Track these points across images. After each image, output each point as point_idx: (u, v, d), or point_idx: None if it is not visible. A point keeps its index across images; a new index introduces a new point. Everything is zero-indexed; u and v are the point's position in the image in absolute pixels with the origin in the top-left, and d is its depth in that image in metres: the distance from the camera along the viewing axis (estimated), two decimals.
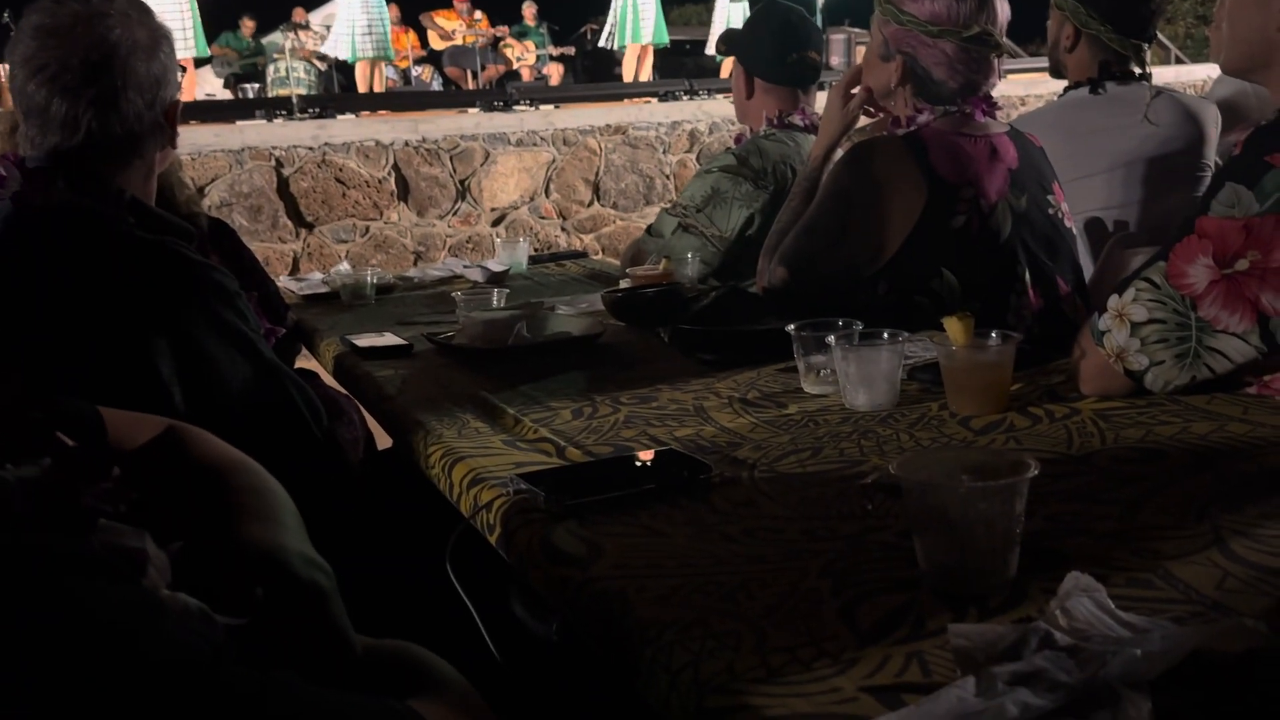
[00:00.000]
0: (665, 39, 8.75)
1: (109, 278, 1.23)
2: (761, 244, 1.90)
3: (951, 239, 1.68)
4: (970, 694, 0.64)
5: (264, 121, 4.84)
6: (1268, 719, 0.63)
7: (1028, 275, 1.73)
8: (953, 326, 1.25)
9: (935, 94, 1.74)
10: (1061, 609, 0.73)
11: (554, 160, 5.22)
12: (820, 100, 2.19)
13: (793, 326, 1.36)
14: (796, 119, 2.30)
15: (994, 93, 1.79)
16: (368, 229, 4.82)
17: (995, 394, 1.23)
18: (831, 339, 1.27)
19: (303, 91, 6.85)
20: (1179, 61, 10.00)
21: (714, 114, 5.47)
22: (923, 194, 1.67)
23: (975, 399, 1.23)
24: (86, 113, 1.28)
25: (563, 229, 5.25)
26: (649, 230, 2.34)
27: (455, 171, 5.01)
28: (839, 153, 1.90)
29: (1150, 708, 0.62)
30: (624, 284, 2.06)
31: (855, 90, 1.88)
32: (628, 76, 7.80)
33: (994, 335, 1.25)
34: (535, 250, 2.82)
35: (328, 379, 1.83)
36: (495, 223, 5.08)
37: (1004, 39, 1.78)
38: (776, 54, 2.29)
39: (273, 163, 4.69)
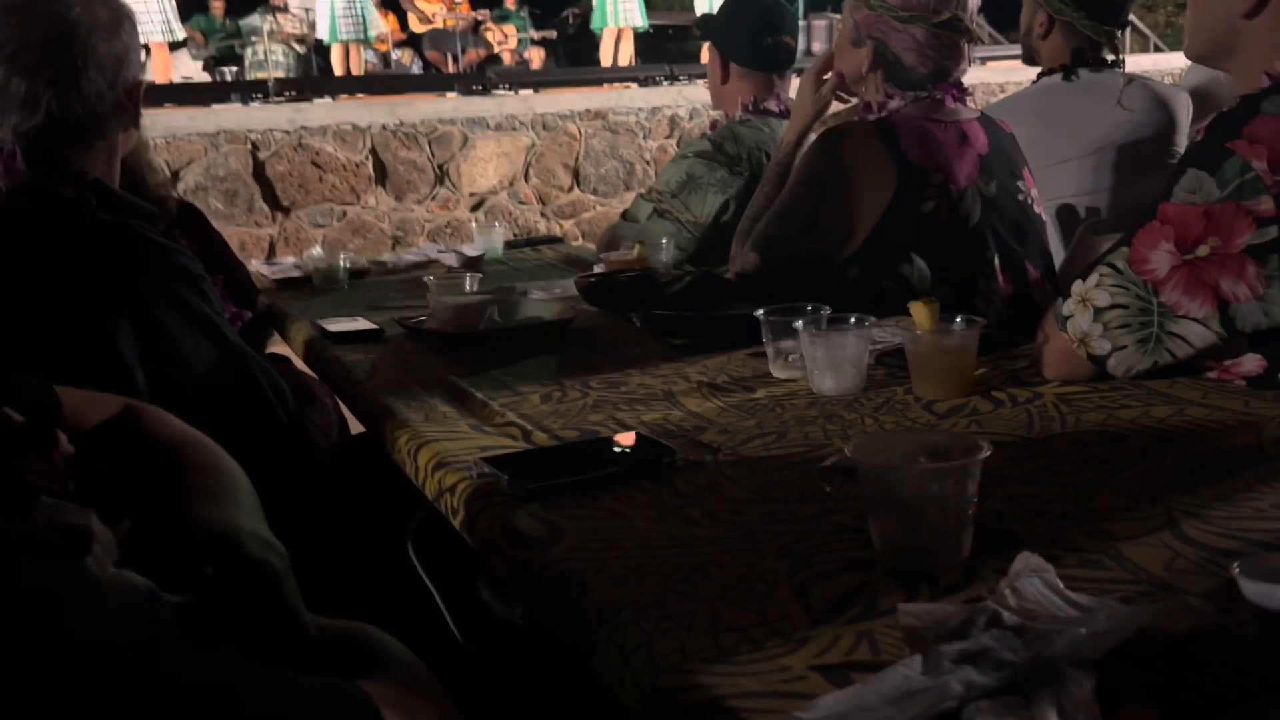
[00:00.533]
0: (645, 23, 8.72)
1: (70, 259, 1.22)
2: (736, 229, 1.91)
3: (921, 224, 1.68)
4: (916, 672, 0.65)
5: (240, 105, 4.80)
6: (1209, 697, 0.64)
7: (997, 260, 1.74)
8: (918, 311, 1.26)
9: (906, 79, 1.75)
10: (1011, 589, 0.74)
11: (533, 145, 5.20)
12: (795, 86, 2.19)
13: (761, 311, 1.36)
14: (771, 104, 2.30)
15: (973, 79, 1.80)
16: (345, 213, 4.80)
17: (959, 378, 1.24)
18: (799, 324, 1.28)
19: (281, 75, 6.78)
20: (1158, 49, 10.05)
21: (695, 100, 5.46)
22: (893, 179, 1.67)
23: (939, 383, 1.24)
24: (46, 92, 1.27)
25: (542, 214, 5.24)
26: (624, 215, 2.34)
27: (434, 156, 4.98)
28: (811, 138, 1.91)
29: (1093, 685, 0.63)
30: (598, 269, 2.06)
31: (827, 76, 1.88)
32: (605, 60, 7.77)
33: (959, 320, 1.26)
34: (514, 235, 2.81)
35: (299, 364, 1.82)
36: (474, 208, 5.06)
37: (974, 25, 1.78)
38: (752, 39, 2.29)
39: (249, 146, 4.65)
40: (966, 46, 1.76)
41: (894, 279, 1.69)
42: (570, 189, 5.30)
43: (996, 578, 0.77)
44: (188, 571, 0.61)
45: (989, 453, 0.79)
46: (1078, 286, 1.25)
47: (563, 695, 1.04)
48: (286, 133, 4.71)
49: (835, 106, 1.94)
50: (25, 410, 0.65)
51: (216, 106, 4.75)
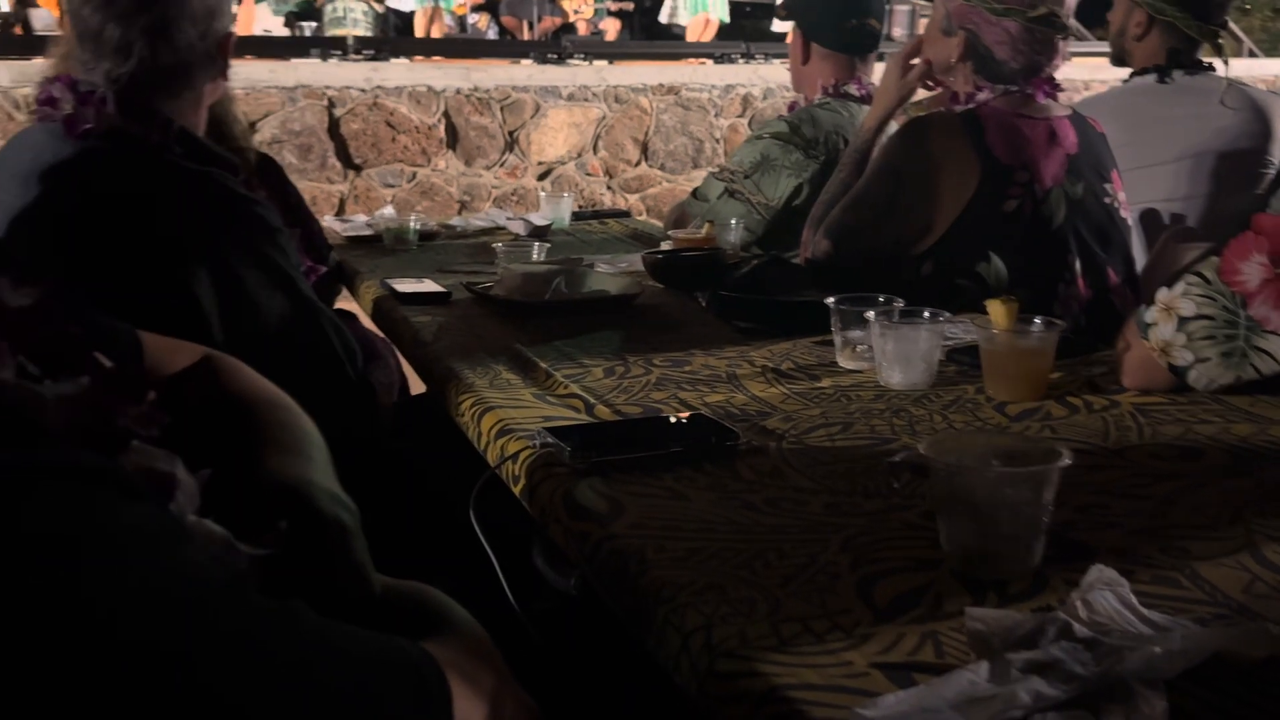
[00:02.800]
0: (726, 16, 8.60)
1: (154, 205, 1.24)
2: (807, 215, 1.88)
3: (1002, 222, 1.65)
4: (982, 679, 0.63)
5: (319, 61, 4.85)
6: None
7: (1078, 264, 1.70)
8: (996, 310, 1.23)
9: (996, 73, 1.70)
10: (1083, 601, 0.72)
11: (604, 117, 5.18)
12: (878, 71, 2.15)
13: (832, 300, 1.34)
14: (852, 88, 2.26)
15: (1057, 75, 1.75)
16: (414, 175, 4.83)
17: (1034, 381, 1.21)
18: (871, 314, 1.26)
19: (359, 32, 6.83)
20: (1252, 55, 9.72)
21: (769, 79, 5.39)
22: (976, 174, 1.64)
23: (1013, 385, 1.21)
24: (139, 40, 1.29)
25: (608, 187, 5.23)
26: (694, 194, 2.33)
27: (505, 122, 4.99)
28: (892, 126, 1.87)
29: (1165, 706, 0.61)
30: (665, 246, 2.05)
31: (914, 62, 1.84)
32: (691, 35, 7.66)
33: (1037, 322, 1.23)
34: (579, 207, 2.81)
35: (366, 321, 1.84)
36: (541, 176, 5.07)
37: (1071, 20, 1.73)
38: (836, 19, 2.25)
39: (325, 102, 4.69)
40: (1061, 43, 1.71)
41: (969, 277, 1.65)
42: (638, 163, 5.28)
43: (1067, 588, 0.76)
44: (262, 524, 0.61)
45: (1069, 461, 0.77)
46: (1163, 294, 1.21)
47: (613, 668, 1.04)
48: (363, 91, 4.75)
49: (919, 94, 1.90)
50: (109, 353, 0.66)
51: (295, 61, 4.80)
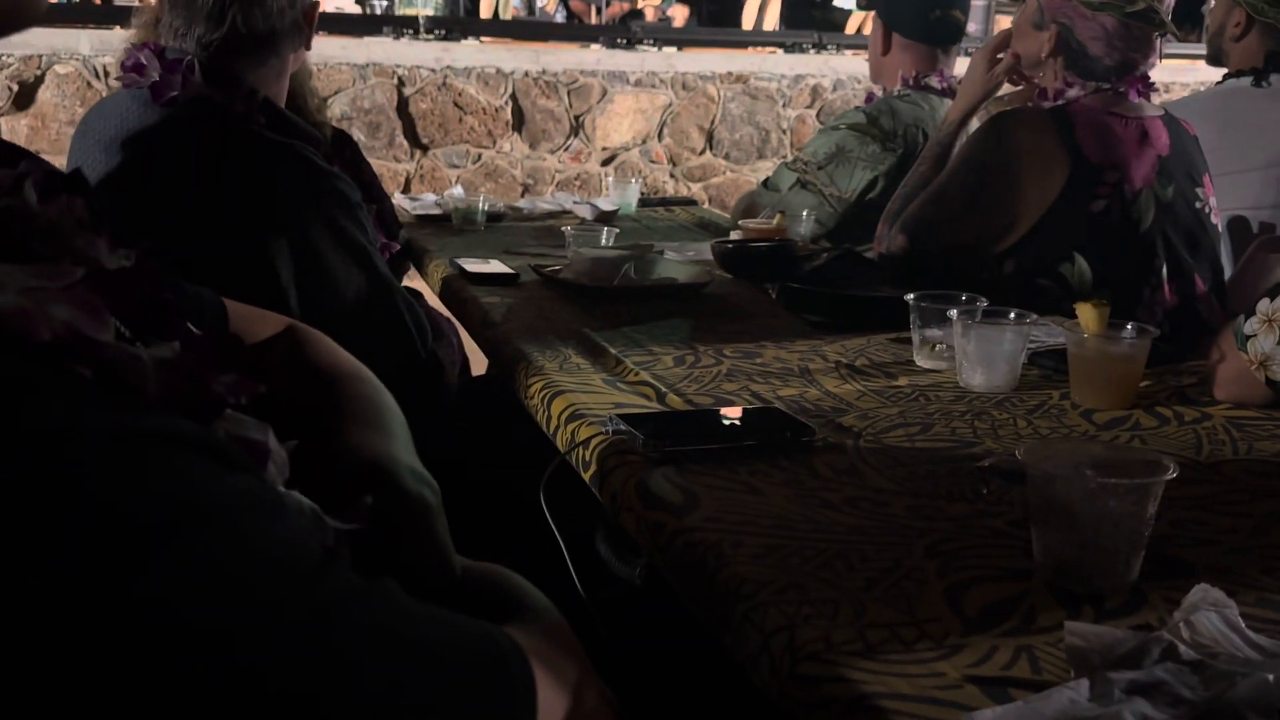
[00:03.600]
0: None
1: (236, 175, 1.24)
2: (882, 208, 1.84)
3: (1088, 223, 1.60)
4: (1084, 697, 0.60)
5: (390, 39, 4.87)
6: None
7: (1165, 270, 1.64)
8: (1086, 313, 1.19)
9: (1088, 69, 1.65)
10: (1186, 621, 0.69)
11: (670, 104, 5.14)
12: (960, 64, 2.10)
13: (912, 296, 1.31)
14: (933, 81, 2.21)
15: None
16: (480, 156, 4.84)
17: (1123, 389, 1.17)
18: (953, 313, 1.22)
19: (430, 12, 6.87)
20: None
21: (840, 70, 5.31)
22: (1064, 172, 1.59)
23: (1101, 392, 1.17)
24: (232, 6, 1.29)
25: (672, 175, 5.19)
26: (765, 183, 2.29)
27: (571, 106, 4.98)
28: (974, 121, 1.82)
29: None
30: (734, 236, 2.02)
31: (1001, 55, 1.79)
32: (748, 21, 7.57)
33: (1129, 327, 1.19)
34: (642, 194, 2.78)
35: (432, 300, 1.84)
36: (605, 162, 5.05)
37: (1169, 18, 1.67)
38: (919, 9, 2.20)
39: (395, 81, 4.72)
40: (1158, 40, 1.65)
41: (1052, 278, 1.60)
42: (702, 152, 5.24)
43: (1166, 606, 0.72)
44: (347, 498, 0.60)
45: (1175, 474, 0.74)
46: (1264, 305, 1.16)
47: (678, 660, 1.02)
48: (433, 70, 4.77)
49: (1004, 89, 1.85)
50: (196, 320, 0.65)
51: (367, 39, 4.83)
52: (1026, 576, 0.77)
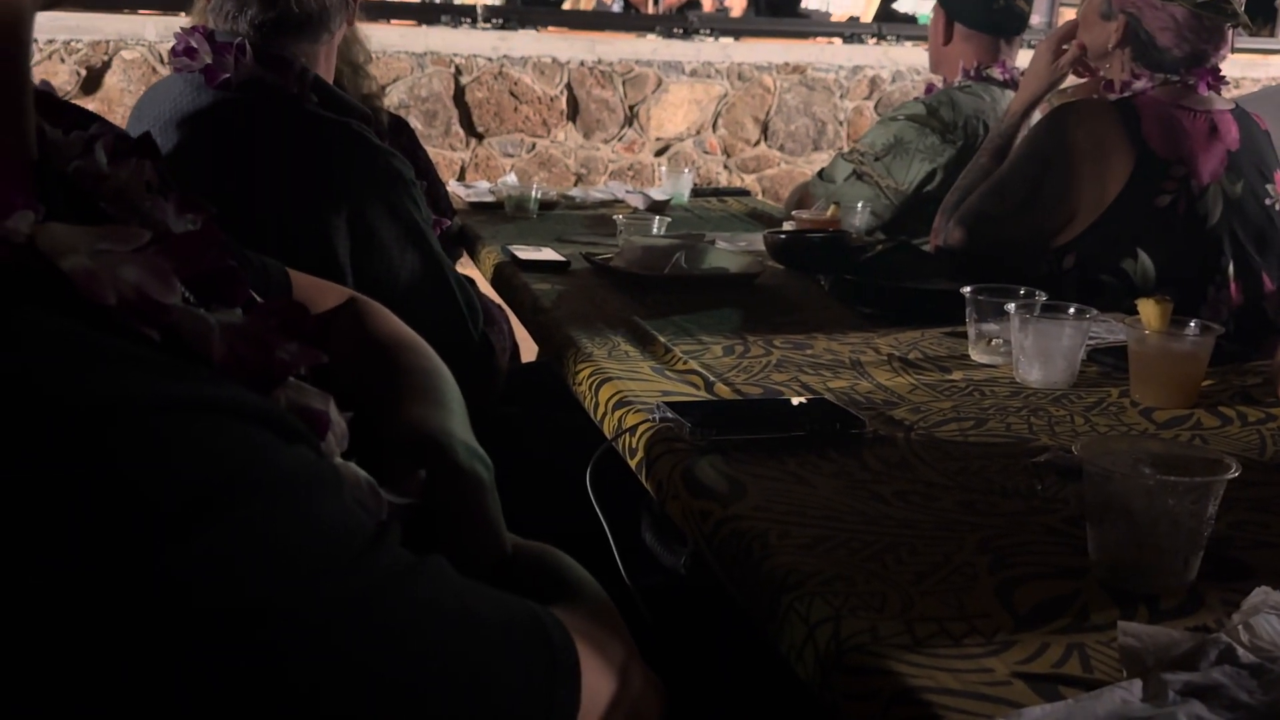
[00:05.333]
0: None
1: (293, 155, 1.25)
2: (939, 201, 1.82)
3: (1153, 218, 1.56)
4: (1136, 698, 0.59)
5: (449, 28, 4.90)
6: None
7: (1231, 267, 1.60)
8: (1148, 310, 1.16)
9: (1157, 61, 1.61)
10: (1245, 624, 0.67)
11: (725, 95, 5.11)
12: (1023, 56, 2.06)
13: (969, 289, 1.29)
14: (995, 72, 2.17)
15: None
16: (534, 145, 4.85)
17: (1185, 387, 1.14)
18: (1011, 307, 1.20)
19: (487, 1, 6.89)
20: None
21: (899, 61, 5.24)
22: (1128, 165, 1.55)
23: (1162, 390, 1.14)
24: None
25: (725, 166, 5.16)
26: (820, 174, 2.27)
27: (626, 96, 4.97)
28: (1037, 113, 1.79)
29: None
30: (788, 226, 2.00)
31: (1066, 47, 1.75)
32: (866, 16, 7.38)
33: (1192, 325, 1.16)
34: (696, 184, 2.77)
35: (484, 287, 1.85)
36: (659, 152, 5.03)
37: (1242, 10, 1.62)
38: None
39: (452, 70, 4.74)
40: (1230, 31, 1.60)
41: (1113, 273, 1.57)
42: (757, 143, 5.20)
43: (1224, 608, 0.70)
44: (402, 472, 0.61)
45: (1237, 473, 0.72)
46: None
47: (721, 648, 1.02)
48: (489, 59, 4.78)
49: (1069, 81, 1.81)
50: (262, 289, 0.66)
51: (425, 28, 4.86)
52: (1080, 574, 0.75)
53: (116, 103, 4.34)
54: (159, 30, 4.36)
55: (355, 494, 0.52)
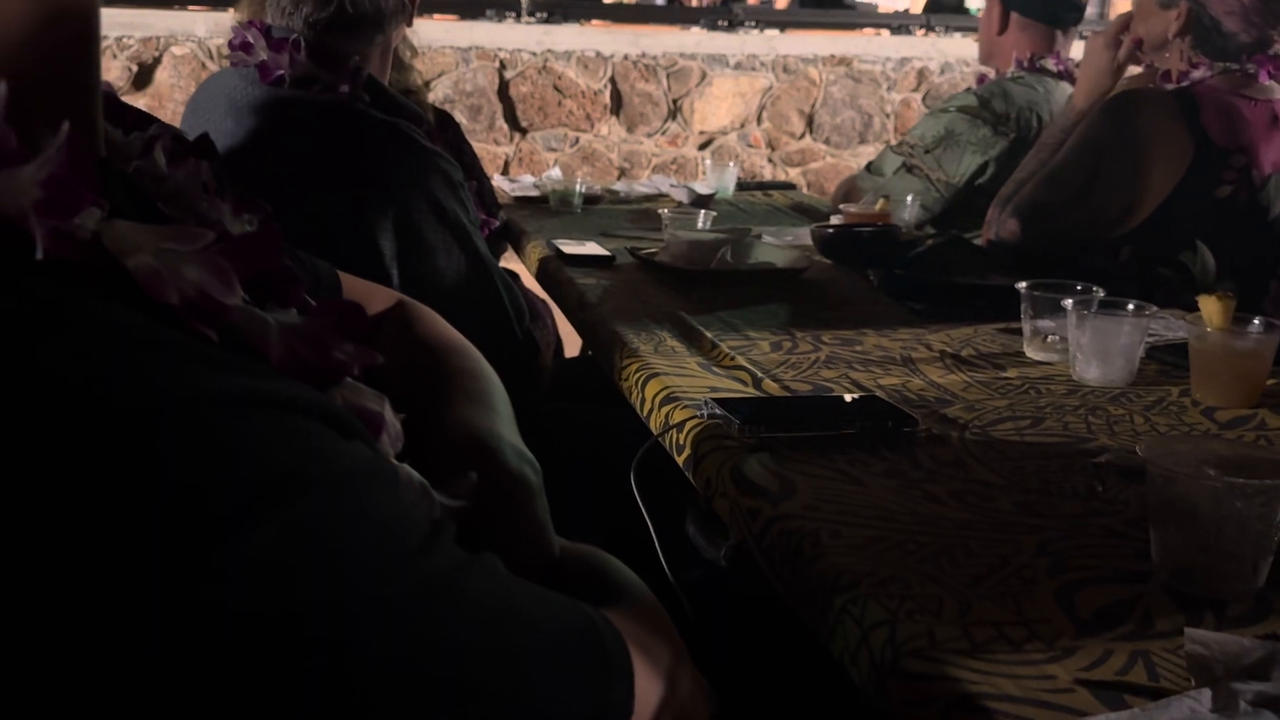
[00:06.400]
0: None
1: (342, 154, 1.26)
2: (990, 194, 1.78)
3: (1213, 209, 1.52)
4: (1205, 708, 0.57)
5: (493, 22, 4.91)
6: None
7: None
8: (1209, 306, 1.13)
9: (1220, 48, 1.56)
10: None
11: (770, 87, 5.07)
12: (1076, 47, 2.02)
13: (1024, 284, 1.26)
14: (1050, 63, 2.12)
15: None
16: (577, 140, 4.86)
17: (1248, 386, 1.11)
18: (1068, 303, 1.17)
19: None
20: None
21: (948, 53, 5.17)
22: (1187, 156, 1.51)
23: (1225, 389, 1.11)
24: None
25: (769, 160, 5.13)
26: (868, 167, 2.24)
27: (669, 90, 4.96)
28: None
29: None
30: (835, 220, 1.98)
31: (1122, 38, 1.71)
32: (916, 6, 7.28)
33: (1256, 322, 1.12)
34: (739, 178, 2.75)
35: (528, 281, 1.84)
36: (702, 146, 5.01)
37: None
38: None
39: (497, 64, 4.76)
40: None
41: (1172, 267, 1.53)
42: (802, 136, 5.16)
43: None
44: (452, 474, 0.60)
45: None
46: None
47: (764, 644, 1.00)
48: (534, 54, 4.79)
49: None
50: (314, 291, 0.66)
51: (469, 22, 4.88)
52: (1143, 579, 0.73)
53: (167, 98, 4.40)
54: (209, 26, 4.41)
55: (408, 495, 0.52)
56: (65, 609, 0.35)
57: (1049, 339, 1.25)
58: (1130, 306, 1.17)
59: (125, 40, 4.36)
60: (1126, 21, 1.73)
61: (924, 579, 0.72)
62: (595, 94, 4.92)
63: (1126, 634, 0.66)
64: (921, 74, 5.20)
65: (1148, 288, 1.48)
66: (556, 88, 4.88)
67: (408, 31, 1.70)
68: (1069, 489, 0.88)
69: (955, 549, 0.77)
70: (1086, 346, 1.16)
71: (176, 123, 1.25)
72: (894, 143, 2.24)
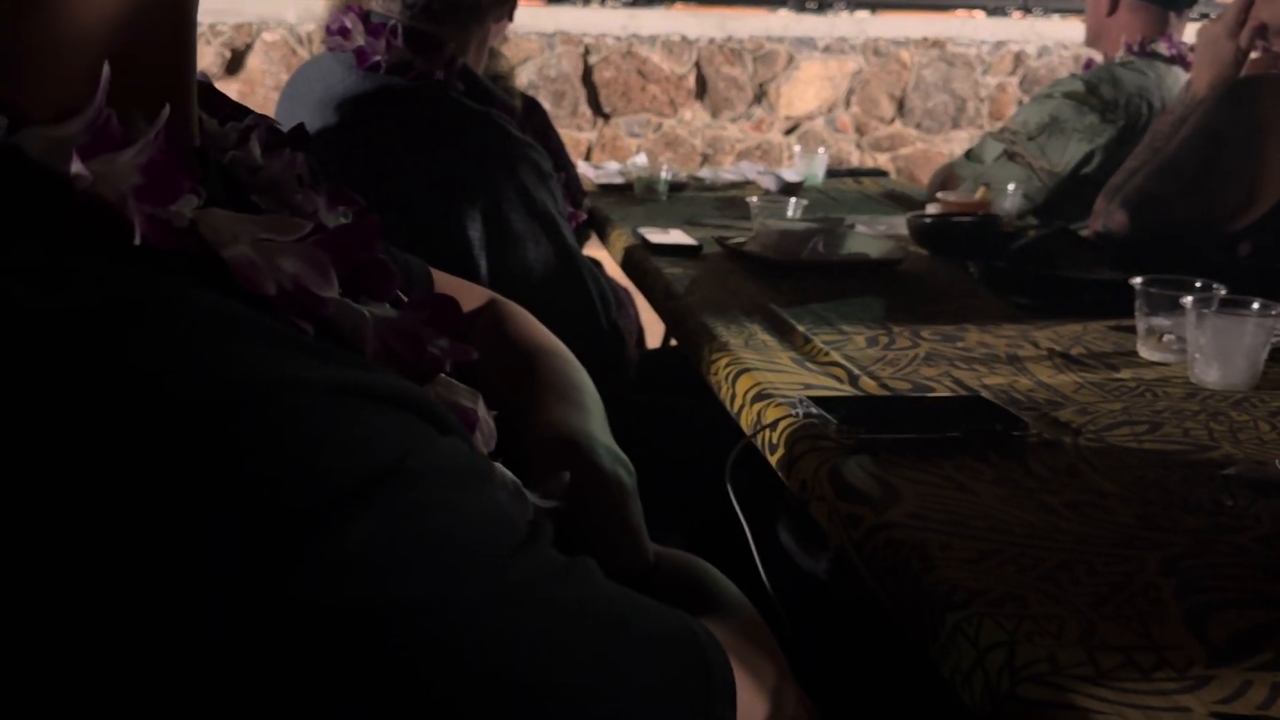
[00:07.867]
0: None
1: (434, 141, 1.25)
2: (1097, 184, 1.71)
3: None
4: None
5: (577, 7, 4.90)
6: None
7: None
8: None
9: None
10: None
11: (859, 71, 4.97)
12: (1189, 30, 1.92)
13: (1139, 280, 1.20)
14: (1162, 47, 2.02)
15: None
16: (660, 125, 4.82)
17: None
18: (1187, 300, 1.11)
19: None
20: None
21: (1046, 36, 5.00)
22: None
23: None
24: None
25: (858, 145, 5.03)
26: (968, 154, 2.16)
27: (755, 74, 4.89)
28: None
29: None
30: (931, 209, 1.92)
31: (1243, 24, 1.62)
32: None
33: None
34: (828, 165, 2.69)
35: (612, 269, 1.83)
36: (788, 131, 4.94)
37: None
38: None
39: (581, 49, 4.75)
40: None
41: None
42: (892, 121, 5.05)
43: None
44: (545, 474, 0.58)
45: None
46: None
47: (866, 660, 0.97)
48: (618, 39, 4.77)
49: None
50: (405, 287, 0.65)
51: (554, 7, 4.88)
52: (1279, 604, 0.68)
53: (258, 84, 4.49)
54: (299, 12, 4.48)
55: (503, 494, 0.50)
56: (130, 602, 0.34)
57: (1164, 338, 1.18)
58: (1255, 305, 1.11)
59: (218, 26, 4.45)
60: (1246, 4, 1.64)
61: (1042, 597, 0.68)
62: (680, 78, 4.87)
63: (1267, 663, 0.61)
64: (1018, 58, 5.05)
65: (1268, 284, 1.39)
66: (640, 72, 4.85)
67: None
68: (1192, 502, 0.83)
69: (1075, 565, 0.73)
70: (1207, 347, 1.10)
71: (268, 108, 1.26)
72: (989, 128, 2.17)
